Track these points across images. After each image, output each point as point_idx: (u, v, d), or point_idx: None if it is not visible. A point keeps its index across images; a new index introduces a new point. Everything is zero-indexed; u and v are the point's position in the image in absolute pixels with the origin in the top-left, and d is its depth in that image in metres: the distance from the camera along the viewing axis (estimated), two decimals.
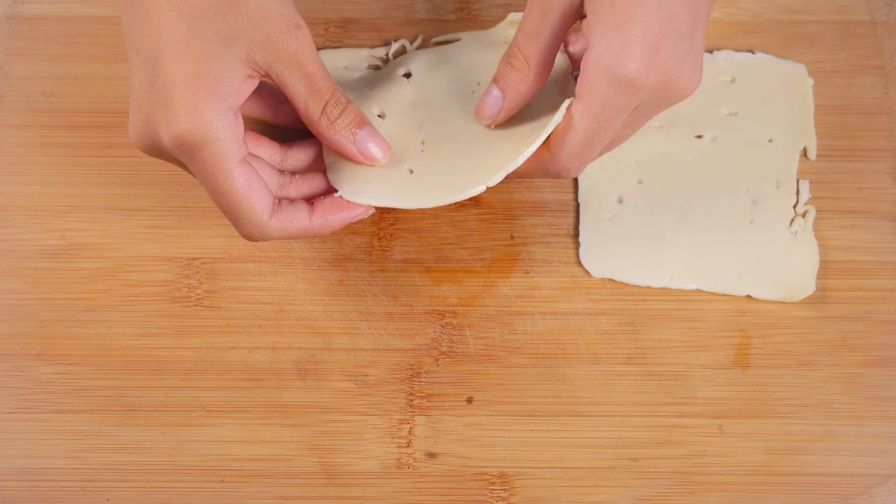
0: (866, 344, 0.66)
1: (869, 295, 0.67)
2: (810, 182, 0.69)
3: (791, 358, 0.66)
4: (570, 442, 0.64)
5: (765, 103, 0.71)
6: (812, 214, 0.68)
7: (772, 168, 0.69)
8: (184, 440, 0.64)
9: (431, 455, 0.64)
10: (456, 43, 0.71)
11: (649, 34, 0.57)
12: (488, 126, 0.63)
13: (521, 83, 0.61)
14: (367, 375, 0.65)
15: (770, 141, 0.70)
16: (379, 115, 0.66)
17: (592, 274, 0.67)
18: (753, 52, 0.72)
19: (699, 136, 0.70)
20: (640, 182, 0.69)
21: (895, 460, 0.64)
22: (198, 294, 0.67)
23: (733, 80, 0.71)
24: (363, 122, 0.62)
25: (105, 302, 0.66)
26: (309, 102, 0.61)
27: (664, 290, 0.67)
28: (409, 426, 0.64)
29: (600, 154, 0.62)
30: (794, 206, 0.69)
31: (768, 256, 0.67)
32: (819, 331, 0.66)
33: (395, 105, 0.67)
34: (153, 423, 0.64)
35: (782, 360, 0.66)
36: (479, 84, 0.68)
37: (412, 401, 0.65)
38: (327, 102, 0.61)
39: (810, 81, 0.71)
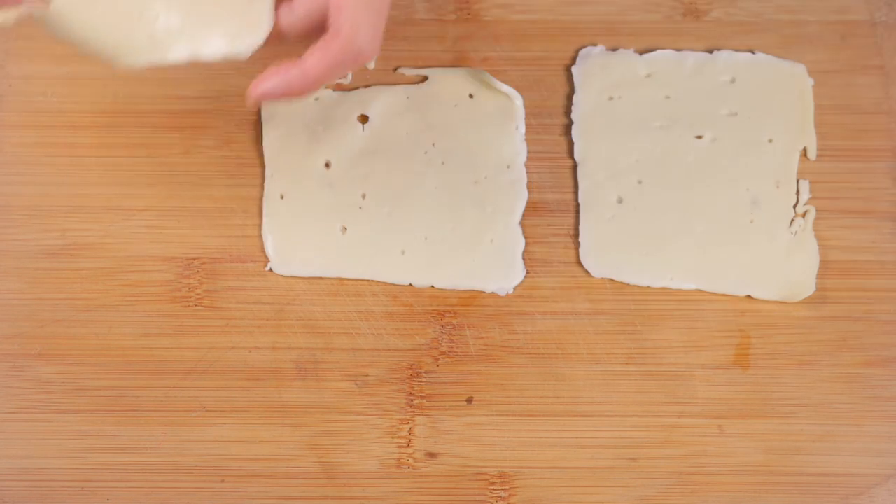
0: (866, 344, 0.66)
1: (869, 295, 0.67)
2: (810, 182, 0.69)
3: (791, 358, 0.66)
4: (570, 442, 0.64)
5: (765, 103, 0.71)
6: (812, 214, 0.68)
7: (772, 168, 0.69)
8: (184, 440, 0.64)
9: (431, 455, 0.64)
10: (422, 85, 0.71)
11: None
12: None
13: None
14: (367, 375, 0.65)
15: (770, 141, 0.70)
16: (325, 165, 0.68)
17: (592, 274, 0.67)
18: (753, 52, 0.72)
19: (699, 136, 0.70)
20: (640, 182, 0.69)
21: (895, 460, 0.64)
22: (198, 294, 0.67)
23: (733, 80, 0.71)
24: None
25: (105, 302, 0.66)
26: None
27: (664, 290, 0.67)
28: (409, 426, 0.64)
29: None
30: (794, 206, 0.69)
31: (768, 256, 0.67)
32: (819, 331, 0.66)
33: (345, 152, 0.68)
34: (153, 423, 0.64)
35: (782, 360, 0.66)
36: (433, 145, 0.69)
37: (412, 401, 0.65)
38: None
39: (810, 81, 0.71)
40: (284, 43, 0.59)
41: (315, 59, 0.56)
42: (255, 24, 0.58)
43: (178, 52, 0.58)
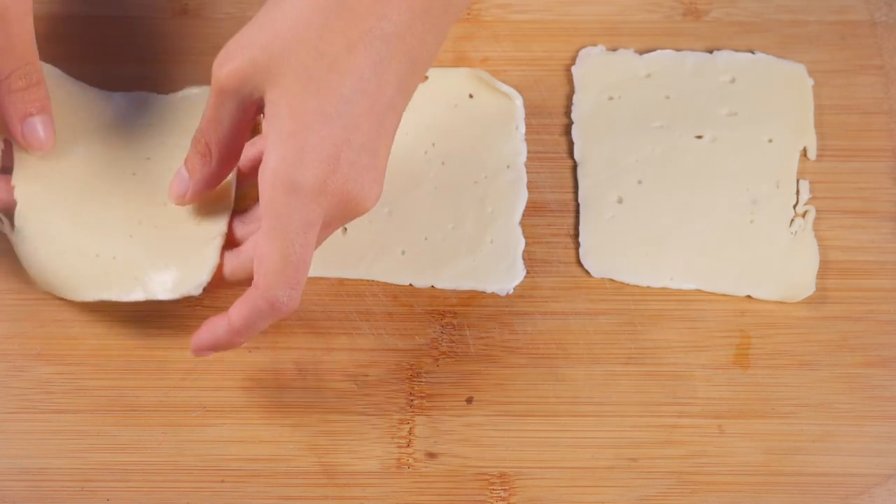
0: (866, 344, 0.66)
1: (869, 295, 0.67)
2: (810, 182, 0.69)
3: (791, 358, 0.66)
4: (570, 442, 0.64)
5: (765, 103, 0.71)
6: (812, 214, 0.68)
7: (772, 168, 0.69)
8: (184, 440, 0.64)
9: (431, 455, 0.64)
10: (422, 85, 0.71)
11: (328, 143, 0.54)
12: (180, 204, 0.63)
13: (205, 168, 0.60)
14: (367, 375, 0.65)
15: (770, 141, 0.70)
16: None
17: (592, 274, 0.67)
18: (753, 52, 0.72)
19: (699, 136, 0.70)
20: (640, 182, 0.69)
21: (895, 460, 0.64)
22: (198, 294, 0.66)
23: (733, 80, 0.71)
24: (43, 109, 0.63)
25: (105, 302, 0.66)
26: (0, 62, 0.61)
27: (664, 290, 0.67)
28: (409, 426, 0.64)
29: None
30: (794, 206, 0.69)
31: (768, 256, 0.67)
32: (819, 331, 0.66)
33: None
34: (153, 423, 0.64)
35: (782, 360, 0.66)
36: (433, 145, 0.69)
37: (412, 401, 0.65)
38: (15, 70, 0.61)
39: (810, 81, 0.71)
40: (227, 287, 0.62)
41: (237, 310, 0.58)
42: (203, 264, 0.63)
43: (133, 294, 0.63)
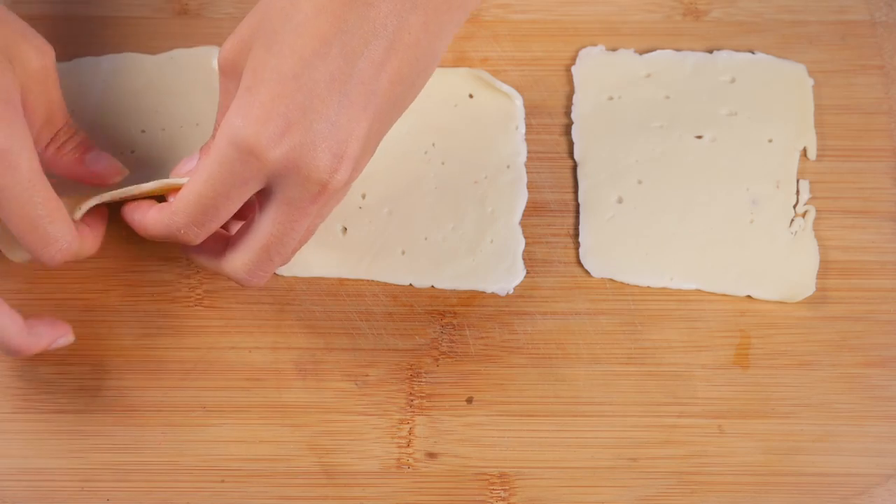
0: (866, 344, 0.66)
1: (869, 295, 0.67)
2: (810, 182, 0.69)
3: (791, 358, 0.66)
4: (570, 442, 0.64)
5: (765, 103, 0.71)
6: (812, 214, 0.68)
7: (772, 168, 0.69)
8: (184, 440, 0.64)
9: (431, 455, 0.64)
10: (422, 91, 0.71)
11: (279, 103, 0.53)
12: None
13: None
14: (367, 375, 0.65)
15: (770, 141, 0.70)
16: None
17: (592, 274, 0.67)
18: (753, 52, 0.72)
19: (699, 137, 0.70)
20: (640, 182, 0.69)
21: (895, 460, 0.64)
22: (198, 294, 0.66)
23: (733, 80, 0.71)
24: (90, 147, 0.63)
25: (105, 302, 0.66)
26: (42, 130, 0.61)
27: (664, 290, 0.67)
28: (409, 426, 0.64)
29: (259, 261, 0.58)
30: (794, 206, 0.69)
31: (768, 256, 0.67)
32: (819, 331, 0.66)
33: None
34: (153, 423, 0.64)
35: (782, 360, 0.66)
36: (433, 145, 0.69)
37: (412, 401, 0.65)
38: (59, 130, 0.62)
39: (810, 81, 0.71)
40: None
41: (154, 215, 0.59)
42: None
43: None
